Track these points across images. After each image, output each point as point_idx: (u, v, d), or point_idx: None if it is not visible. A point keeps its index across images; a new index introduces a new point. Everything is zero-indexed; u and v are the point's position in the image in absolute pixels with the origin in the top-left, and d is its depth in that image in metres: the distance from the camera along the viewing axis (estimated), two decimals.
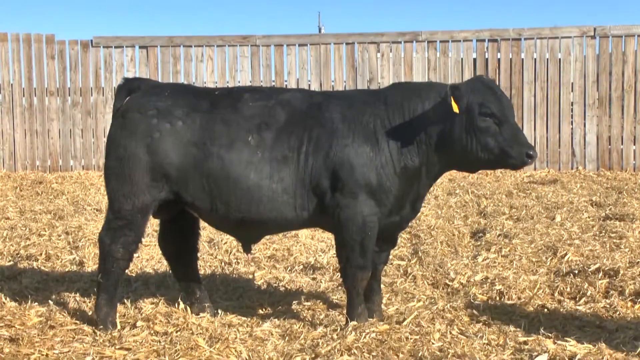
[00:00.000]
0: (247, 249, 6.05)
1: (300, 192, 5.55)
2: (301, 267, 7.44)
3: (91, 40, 15.17)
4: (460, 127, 5.49)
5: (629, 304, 6.08)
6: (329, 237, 8.54)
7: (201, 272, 7.12)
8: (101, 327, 5.62)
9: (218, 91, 6.02)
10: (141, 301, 6.18)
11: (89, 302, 6.20)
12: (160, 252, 8.04)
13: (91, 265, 7.58)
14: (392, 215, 5.64)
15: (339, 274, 7.08)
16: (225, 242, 8.32)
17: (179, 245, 6.08)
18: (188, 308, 5.96)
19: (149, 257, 7.94)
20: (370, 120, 5.60)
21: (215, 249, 8.16)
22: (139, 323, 5.70)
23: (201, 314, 5.87)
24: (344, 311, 5.97)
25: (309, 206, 5.58)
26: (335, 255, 7.62)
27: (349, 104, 5.70)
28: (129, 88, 5.90)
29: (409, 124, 5.57)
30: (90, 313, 5.91)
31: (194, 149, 5.56)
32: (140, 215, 5.63)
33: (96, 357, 5.02)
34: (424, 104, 5.59)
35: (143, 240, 5.87)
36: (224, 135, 5.56)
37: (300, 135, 5.58)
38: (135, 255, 5.83)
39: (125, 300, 6.24)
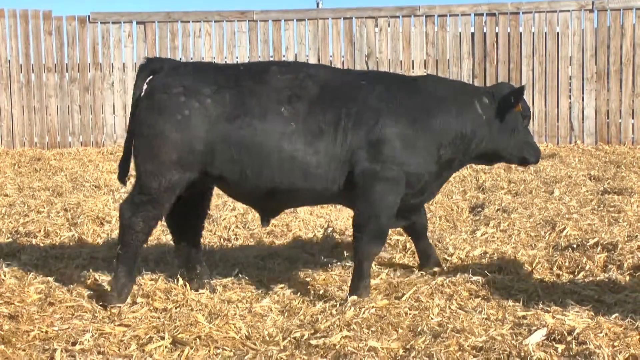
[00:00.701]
0: (266, 222, 6.11)
1: (334, 166, 5.62)
2: (300, 243, 7.42)
3: (88, 16, 15.08)
4: (506, 129, 6.01)
5: (627, 277, 6.08)
6: (327, 213, 8.54)
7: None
8: (114, 295, 5.62)
9: (243, 66, 6.07)
10: (140, 277, 6.17)
11: (89, 279, 6.19)
12: (159, 228, 8.05)
13: (90, 242, 7.58)
14: (415, 197, 5.88)
15: (337, 249, 7.11)
16: (224, 219, 8.31)
17: (187, 220, 6.10)
18: (187, 284, 5.96)
19: None
20: (416, 108, 5.77)
21: (214, 225, 8.15)
22: (138, 299, 5.70)
23: (200, 290, 5.87)
24: (344, 287, 5.97)
25: (340, 180, 5.66)
26: (333, 231, 7.65)
27: (393, 86, 5.87)
28: (152, 68, 5.87)
29: (455, 119, 5.84)
30: (88, 292, 5.90)
31: (224, 123, 5.59)
32: (167, 194, 5.65)
33: (95, 333, 5.02)
34: (474, 104, 5.96)
35: (164, 217, 5.88)
36: (255, 107, 5.62)
37: (337, 110, 5.65)
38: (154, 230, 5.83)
39: None
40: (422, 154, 5.72)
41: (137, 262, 5.89)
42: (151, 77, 5.83)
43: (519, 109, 6.00)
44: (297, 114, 5.60)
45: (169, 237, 7.70)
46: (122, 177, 6.04)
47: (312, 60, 14.76)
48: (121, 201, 5.86)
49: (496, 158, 6.22)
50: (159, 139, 5.61)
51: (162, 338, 4.94)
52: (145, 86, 5.81)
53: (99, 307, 5.58)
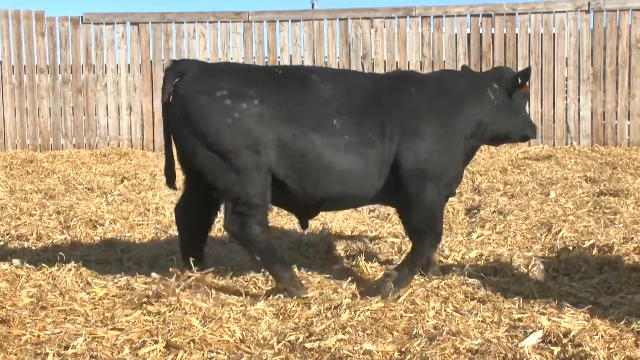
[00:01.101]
0: (305, 225, 6.32)
1: (384, 172, 5.83)
2: (296, 245, 7.41)
3: (81, 17, 15.08)
4: (513, 110, 6.31)
5: (623, 279, 6.08)
6: (322, 215, 8.53)
7: None
8: (293, 290, 5.71)
9: (280, 70, 6.09)
10: (134, 281, 6.16)
11: (81, 283, 6.18)
12: (152, 231, 8.04)
13: (83, 245, 7.56)
14: (448, 189, 6.20)
15: (333, 251, 7.10)
16: (218, 221, 8.28)
17: (198, 220, 6.16)
18: (182, 286, 5.94)
19: (142, 237, 7.92)
20: (446, 106, 6.04)
21: None
22: (131, 303, 5.68)
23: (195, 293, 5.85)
24: (339, 289, 5.96)
25: (389, 184, 5.87)
26: (327, 234, 7.65)
27: (423, 87, 6.10)
28: (179, 70, 5.80)
29: (476, 110, 6.13)
30: (80, 296, 5.88)
31: (279, 125, 5.62)
32: (261, 194, 5.70)
33: (88, 337, 5.01)
34: (487, 91, 6.22)
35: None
36: (306, 117, 5.70)
37: (381, 116, 5.83)
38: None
39: (117, 280, 6.23)
40: (456, 150, 6.01)
41: (278, 252, 6.01)
42: (179, 79, 5.75)
43: (525, 89, 6.36)
44: (347, 125, 5.76)
45: (163, 239, 7.71)
46: (172, 182, 6.05)
47: (307, 61, 14.77)
48: (223, 224, 5.88)
49: (505, 138, 6.56)
50: (221, 147, 5.59)
51: (156, 342, 4.92)
52: (173, 89, 5.72)
53: (91, 311, 5.57)
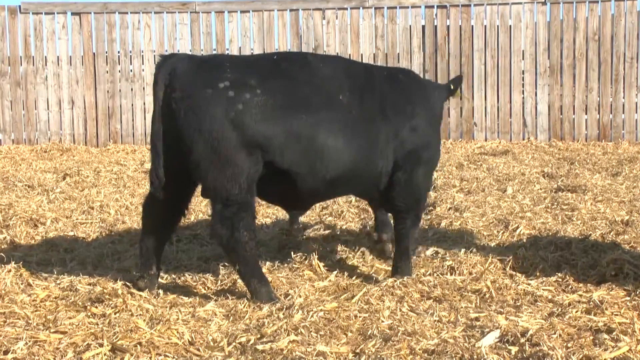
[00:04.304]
0: (296, 222, 6.67)
1: (386, 154, 6.11)
2: None
3: (19, 6, 14.89)
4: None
5: (581, 277, 6.17)
6: (273, 213, 8.53)
7: None
8: (270, 303, 5.62)
9: (276, 56, 6.27)
10: (77, 282, 6.11)
11: (21, 284, 6.11)
12: (96, 229, 7.98)
13: (23, 245, 7.48)
14: None
15: (285, 250, 7.11)
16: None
17: (165, 217, 6.07)
18: (129, 286, 5.91)
19: (85, 236, 7.86)
20: (427, 96, 6.57)
21: None
22: (75, 305, 5.63)
23: (141, 294, 5.82)
24: (290, 290, 5.96)
25: (388, 166, 6.16)
26: (279, 232, 7.65)
27: (407, 78, 6.61)
28: (171, 65, 5.72)
29: (438, 103, 6.71)
30: (21, 298, 5.82)
31: (284, 114, 5.65)
32: (249, 192, 5.67)
33: (29, 341, 4.95)
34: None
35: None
36: (313, 98, 5.81)
37: (381, 99, 6.14)
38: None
39: (60, 281, 6.17)
40: (438, 137, 6.62)
41: (259, 263, 5.95)
42: (173, 74, 5.67)
43: (457, 95, 7.06)
44: (352, 104, 5.95)
45: (108, 238, 7.66)
46: (159, 187, 5.76)
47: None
48: (211, 231, 5.79)
49: None
50: (222, 143, 5.55)
51: (101, 345, 4.89)
52: (169, 85, 5.64)
53: (32, 313, 5.51)
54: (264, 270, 6.43)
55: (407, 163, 6.19)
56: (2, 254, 6.78)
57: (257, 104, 5.60)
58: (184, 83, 5.65)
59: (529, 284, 6.03)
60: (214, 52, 14.83)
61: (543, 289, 5.91)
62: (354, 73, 6.16)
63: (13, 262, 6.57)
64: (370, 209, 8.58)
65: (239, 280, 6.27)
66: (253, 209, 5.76)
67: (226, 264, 6.77)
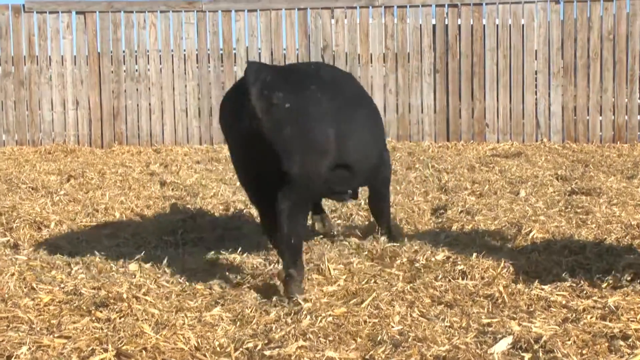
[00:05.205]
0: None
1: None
2: (253, 247, 7.40)
3: (23, 5, 14.91)
4: None
5: (596, 282, 6.15)
6: None
7: (147, 254, 7.10)
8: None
9: (313, 65, 7.41)
10: (81, 286, 6.11)
11: (25, 288, 6.12)
12: (103, 233, 8.00)
13: (27, 248, 7.49)
14: None
15: None
16: (171, 222, 8.27)
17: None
18: (133, 291, 5.92)
19: (90, 239, 7.86)
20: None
21: (161, 228, 8.11)
22: (79, 309, 5.64)
23: (147, 298, 5.81)
24: (300, 297, 5.94)
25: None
26: None
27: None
28: (259, 73, 5.99)
29: None
30: (24, 302, 5.82)
31: (337, 115, 6.28)
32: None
33: (33, 346, 4.97)
34: None
35: None
36: (352, 100, 6.66)
37: (366, 99, 7.15)
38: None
39: (64, 285, 6.18)
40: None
41: None
42: (262, 81, 5.90)
43: None
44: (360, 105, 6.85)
45: (113, 241, 7.65)
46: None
47: (265, 53, 14.77)
48: (282, 215, 6.00)
49: None
50: (316, 145, 6.09)
51: (105, 350, 4.90)
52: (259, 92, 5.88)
53: (36, 317, 5.52)
54: (273, 272, 6.43)
55: (384, 154, 7.36)
56: (5, 257, 6.79)
57: (323, 105, 6.20)
58: (273, 89, 5.94)
59: (542, 289, 6.01)
60: (221, 52, 14.84)
61: (557, 294, 5.89)
62: (349, 82, 7.08)
63: (16, 266, 6.59)
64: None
65: (247, 285, 6.28)
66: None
67: (234, 268, 6.77)
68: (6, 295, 5.92)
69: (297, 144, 5.96)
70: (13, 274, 6.42)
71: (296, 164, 5.96)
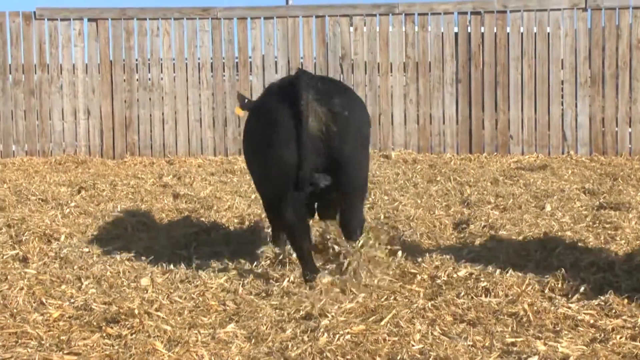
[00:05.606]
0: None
1: None
2: (268, 262, 7.39)
3: (34, 12, 15.00)
4: None
5: (625, 301, 6.11)
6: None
7: (159, 268, 7.10)
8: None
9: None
10: (92, 301, 6.12)
11: (34, 303, 6.14)
12: (114, 247, 8.01)
13: (36, 262, 7.51)
14: None
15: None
16: (184, 235, 8.28)
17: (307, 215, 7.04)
18: (145, 306, 5.92)
19: (101, 252, 7.87)
20: None
21: (174, 242, 8.11)
22: (89, 325, 5.65)
23: (159, 314, 5.81)
24: (314, 310, 5.94)
25: None
26: None
27: None
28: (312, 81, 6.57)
29: None
30: (34, 317, 5.84)
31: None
32: None
33: None
34: None
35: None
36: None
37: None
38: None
39: (74, 300, 6.19)
40: None
41: None
42: (313, 90, 6.40)
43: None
44: None
45: (124, 255, 7.65)
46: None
47: (282, 62, 14.79)
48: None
49: None
50: (367, 148, 7.01)
51: None
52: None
53: (45, 333, 5.53)
54: (289, 287, 6.42)
55: None
56: (14, 270, 6.81)
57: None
58: (332, 96, 6.55)
59: (569, 308, 5.98)
60: (236, 60, 14.88)
61: (584, 313, 5.85)
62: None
63: (25, 280, 6.61)
64: (399, 227, 8.55)
65: (261, 301, 6.27)
66: None
67: (248, 283, 6.76)
68: (15, 310, 5.95)
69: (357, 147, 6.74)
70: (22, 288, 6.44)
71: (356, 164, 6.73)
